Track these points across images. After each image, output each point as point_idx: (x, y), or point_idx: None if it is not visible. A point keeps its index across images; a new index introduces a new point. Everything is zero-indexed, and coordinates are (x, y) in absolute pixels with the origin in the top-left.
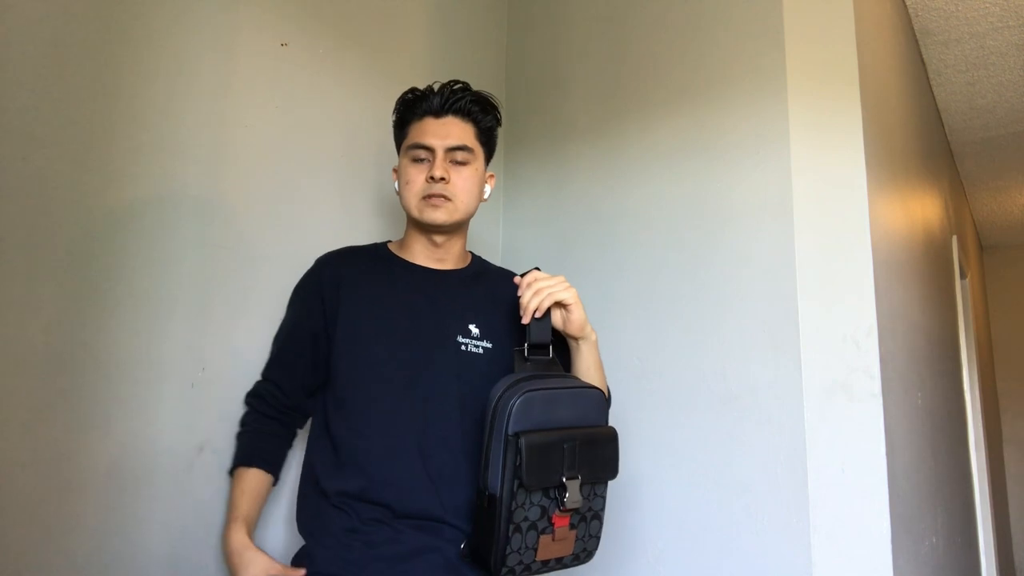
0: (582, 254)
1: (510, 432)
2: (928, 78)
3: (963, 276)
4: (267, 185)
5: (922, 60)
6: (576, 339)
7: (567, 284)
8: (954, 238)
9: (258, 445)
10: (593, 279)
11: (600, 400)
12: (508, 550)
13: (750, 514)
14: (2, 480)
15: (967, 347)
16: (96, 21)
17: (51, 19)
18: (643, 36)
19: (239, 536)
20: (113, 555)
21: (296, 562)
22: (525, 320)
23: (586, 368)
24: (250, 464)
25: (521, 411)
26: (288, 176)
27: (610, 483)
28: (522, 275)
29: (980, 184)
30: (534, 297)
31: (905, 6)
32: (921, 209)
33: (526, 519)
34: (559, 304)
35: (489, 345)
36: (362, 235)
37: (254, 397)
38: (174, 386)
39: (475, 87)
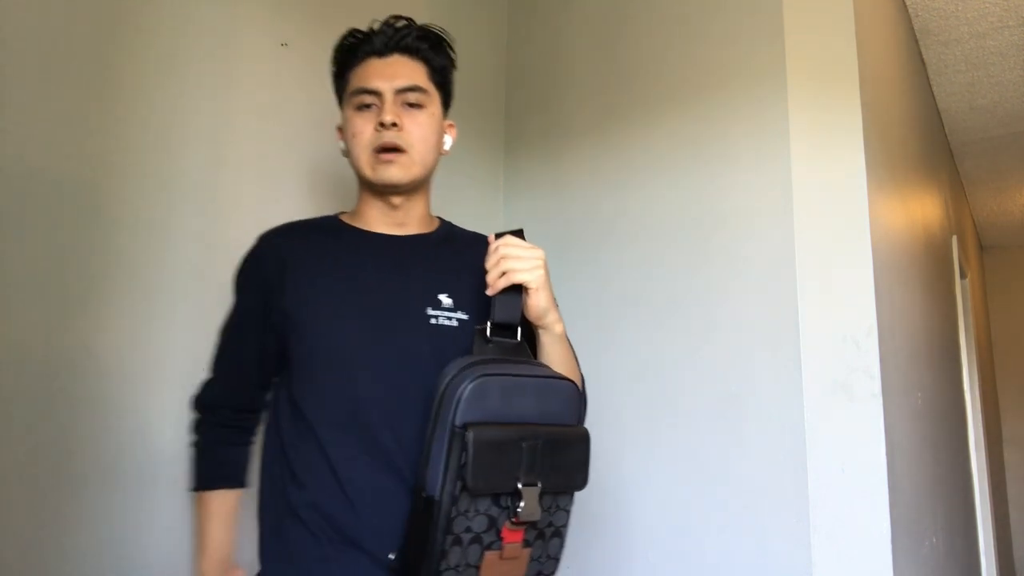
0: (582, 253)
1: (457, 423)
2: (928, 78)
3: (963, 276)
4: (267, 185)
5: (922, 60)
6: (537, 326)
7: (538, 262)
8: (954, 238)
9: (217, 461)
10: (593, 278)
11: (573, 395)
12: (444, 566)
13: (750, 514)
14: (2, 480)
15: (967, 347)
16: (96, 21)
17: (51, 19)
18: (643, 37)
19: (211, 567)
20: (113, 554)
21: None
22: (489, 292)
23: (548, 363)
24: (213, 486)
25: (473, 398)
26: (288, 176)
27: (610, 483)
28: (497, 236)
29: (980, 184)
30: (493, 269)
31: (905, 6)
32: (921, 209)
33: (468, 530)
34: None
35: (465, 317)
36: None
37: (203, 407)
38: (174, 386)
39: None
